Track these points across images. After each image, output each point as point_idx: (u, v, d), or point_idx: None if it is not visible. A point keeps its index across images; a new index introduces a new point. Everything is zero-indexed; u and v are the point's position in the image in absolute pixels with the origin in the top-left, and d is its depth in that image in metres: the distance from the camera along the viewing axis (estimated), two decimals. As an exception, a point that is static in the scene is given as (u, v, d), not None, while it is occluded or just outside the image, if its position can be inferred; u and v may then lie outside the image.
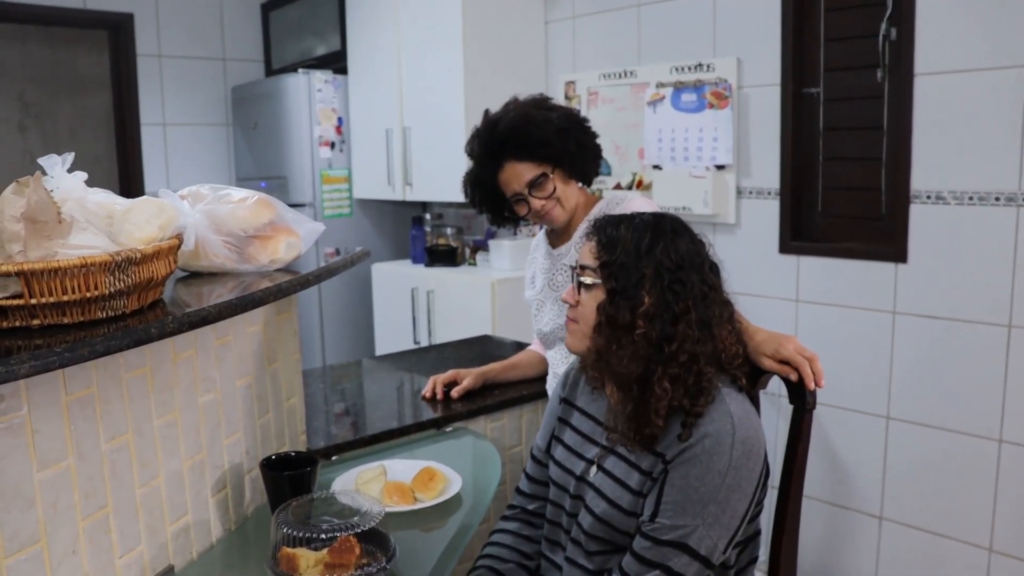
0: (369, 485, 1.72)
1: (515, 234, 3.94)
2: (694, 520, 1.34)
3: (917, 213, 2.65)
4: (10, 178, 1.19)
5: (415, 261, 4.20)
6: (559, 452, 1.61)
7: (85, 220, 1.22)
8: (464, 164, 2.19)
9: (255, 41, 4.93)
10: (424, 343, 3.91)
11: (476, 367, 2.37)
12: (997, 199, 2.47)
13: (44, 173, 1.23)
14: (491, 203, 2.15)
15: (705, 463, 1.35)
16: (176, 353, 1.44)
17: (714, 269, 1.47)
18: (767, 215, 3.06)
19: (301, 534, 1.39)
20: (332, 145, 4.32)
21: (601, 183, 3.54)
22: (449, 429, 2.17)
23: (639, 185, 3.45)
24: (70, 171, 1.26)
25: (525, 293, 2.31)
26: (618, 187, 3.53)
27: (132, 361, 1.33)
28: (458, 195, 2.28)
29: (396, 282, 4.12)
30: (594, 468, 1.51)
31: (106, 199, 1.30)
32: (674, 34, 3.28)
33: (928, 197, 2.62)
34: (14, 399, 1.11)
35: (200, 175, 4.60)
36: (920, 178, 2.64)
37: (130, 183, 4.54)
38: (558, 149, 2.03)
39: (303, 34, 4.69)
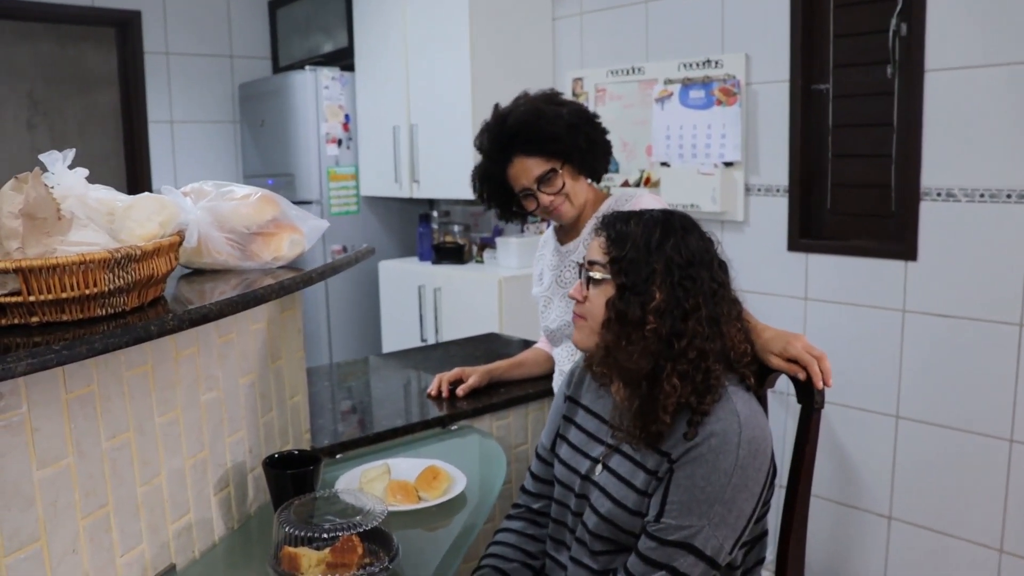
0: (373, 484, 1.71)
1: (522, 231, 3.93)
2: (700, 520, 1.33)
3: (927, 210, 2.63)
4: (20, 175, 1.18)
5: (422, 258, 4.19)
6: (564, 451, 1.59)
7: (86, 217, 1.21)
8: (471, 161, 2.18)
9: (262, 38, 4.93)
10: (431, 341, 3.90)
11: (482, 365, 2.36)
12: (1008, 196, 2.44)
13: (45, 170, 1.22)
14: (499, 198, 2.13)
15: (711, 462, 1.34)
16: (178, 351, 1.43)
17: (723, 267, 1.46)
18: (776, 212, 3.04)
19: (303, 533, 1.38)
20: (339, 142, 4.31)
21: (609, 180, 3.52)
22: (454, 427, 2.16)
23: (647, 182, 3.43)
24: (74, 168, 1.25)
25: (532, 290, 2.29)
26: (626, 184, 3.51)
27: (133, 359, 1.32)
28: (465, 192, 2.27)
29: (403, 279, 4.11)
30: (599, 467, 1.49)
31: (107, 196, 1.30)
32: (682, 30, 3.27)
33: (938, 194, 2.60)
34: (13, 397, 1.10)
35: (207, 172, 4.61)
36: (930, 175, 2.61)
37: (138, 180, 4.55)
38: (568, 144, 2.01)
39: (310, 31, 4.69)
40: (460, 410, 2.20)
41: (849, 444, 2.90)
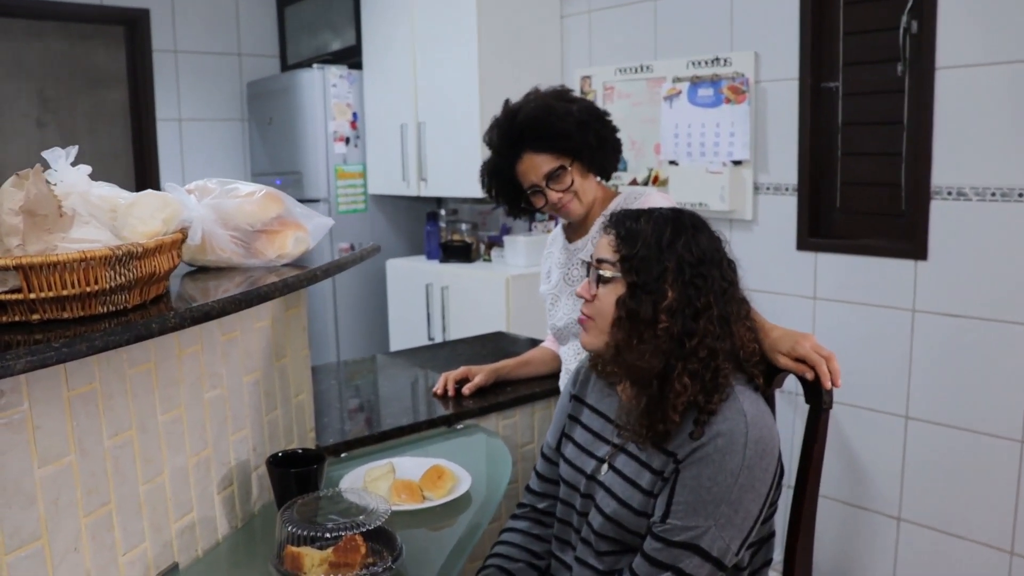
0: (377, 483, 1.70)
1: (530, 230, 3.92)
2: (706, 521, 1.32)
3: (937, 209, 2.61)
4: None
5: (430, 257, 4.18)
6: (569, 450, 1.58)
7: (88, 214, 1.20)
8: (478, 160, 2.17)
9: (270, 36, 4.93)
10: (438, 339, 3.90)
11: (489, 363, 2.35)
12: (1020, 195, 2.42)
13: (47, 167, 1.21)
14: (508, 194, 2.12)
15: (717, 463, 1.32)
16: (181, 348, 1.43)
17: (731, 266, 1.45)
18: (784, 211, 3.02)
19: (306, 533, 1.37)
20: (347, 140, 4.31)
21: (617, 179, 3.51)
22: (460, 426, 2.15)
23: (655, 181, 3.42)
24: (76, 165, 1.25)
25: (540, 288, 2.28)
26: (634, 183, 3.50)
27: (136, 356, 1.32)
28: (473, 190, 2.26)
29: (411, 278, 4.11)
30: (605, 466, 1.48)
31: (110, 193, 1.29)
32: (691, 28, 3.25)
33: (949, 193, 2.57)
34: (14, 394, 1.10)
35: (215, 170, 4.61)
36: (941, 173, 2.59)
37: (146, 178, 4.56)
38: (578, 142, 2.00)
39: (318, 29, 4.69)
40: (466, 409, 2.19)
41: (858, 444, 2.88)
